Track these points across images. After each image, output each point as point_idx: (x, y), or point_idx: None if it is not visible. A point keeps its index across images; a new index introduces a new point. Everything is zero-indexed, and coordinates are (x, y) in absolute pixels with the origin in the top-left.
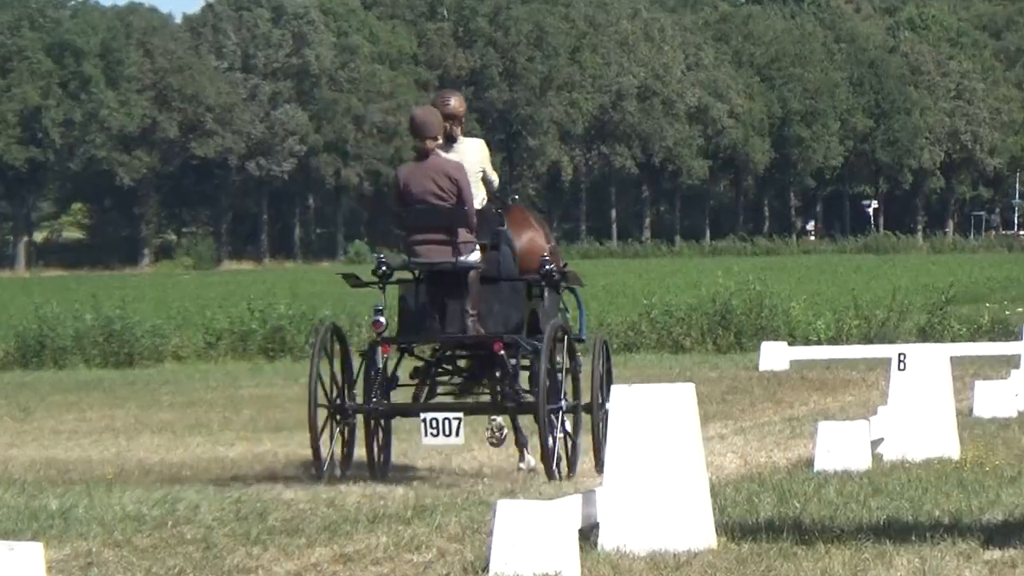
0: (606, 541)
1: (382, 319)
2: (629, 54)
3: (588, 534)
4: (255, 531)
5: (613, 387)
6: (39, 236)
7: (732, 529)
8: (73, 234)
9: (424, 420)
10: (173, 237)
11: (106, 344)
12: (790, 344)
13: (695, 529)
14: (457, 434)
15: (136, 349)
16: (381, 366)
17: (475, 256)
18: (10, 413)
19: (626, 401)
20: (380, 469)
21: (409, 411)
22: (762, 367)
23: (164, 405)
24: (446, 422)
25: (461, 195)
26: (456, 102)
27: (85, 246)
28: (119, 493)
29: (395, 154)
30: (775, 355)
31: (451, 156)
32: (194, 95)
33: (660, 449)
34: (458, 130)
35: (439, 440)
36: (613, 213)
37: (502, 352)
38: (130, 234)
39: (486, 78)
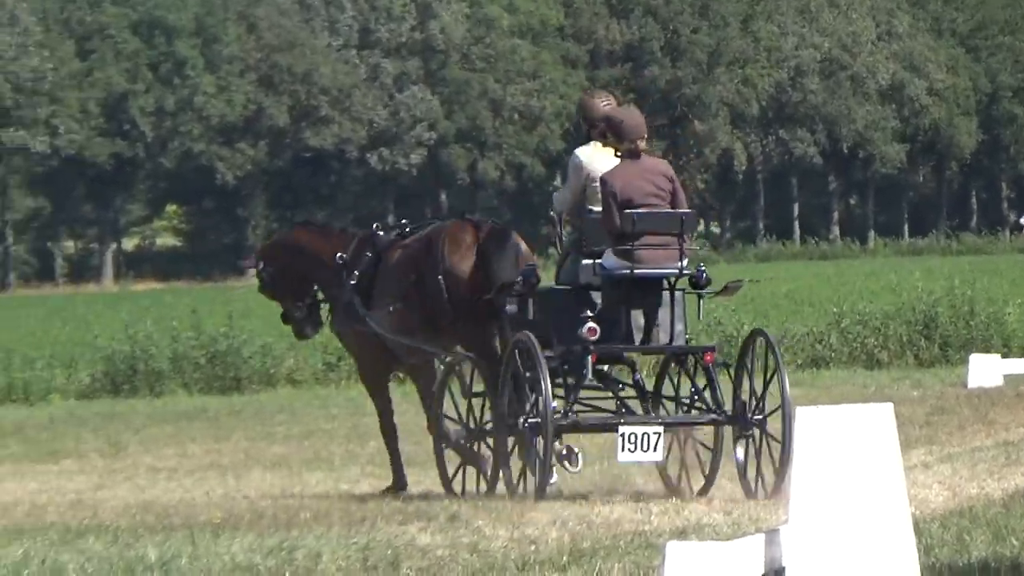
0: None
1: (595, 324)
2: (810, 23)
3: None
4: None
5: (798, 410)
6: (129, 244)
7: (940, 572)
8: (168, 241)
9: (623, 435)
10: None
11: (209, 367)
12: (1004, 356)
13: (896, 573)
14: (656, 449)
15: (244, 372)
16: (589, 376)
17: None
18: (99, 449)
19: (813, 425)
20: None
21: (607, 426)
22: (971, 384)
23: (278, 437)
24: (645, 437)
25: (676, 196)
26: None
27: (182, 254)
28: (227, 540)
29: (539, 144)
30: (987, 369)
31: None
32: (306, 77)
33: (854, 480)
34: None
35: (636, 456)
36: (795, 208)
37: (711, 362)
38: (234, 240)
39: (645, 53)
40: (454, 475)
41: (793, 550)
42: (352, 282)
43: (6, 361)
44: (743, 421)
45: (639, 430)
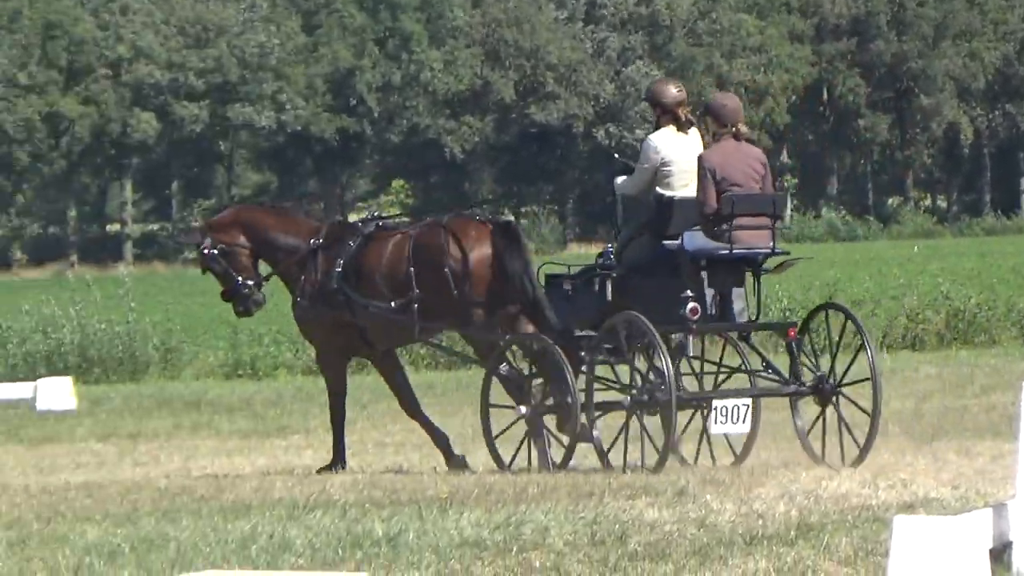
0: (1022, 564)
1: (697, 304)
2: None
3: (1000, 555)
4: (613, 557)
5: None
6: (355, 219)
7: None
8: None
9: (716, 408)
10: (511, 217)
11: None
12: None
13: None
14: (744, 421)
15: (466, 349)
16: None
17: None
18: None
19: None
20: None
21: (701, 399)
22: None
23: (506, 411)
24: (735, 409)
25: (766, 180)
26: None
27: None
28: (455, 516)
29: (765, 118)
30: None
31: (691, 139)
32: (533, 51)
33: None
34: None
35: (727, 428)
36: (1021, 182)
37: (793, 337)
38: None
39: (871, 27)
40: (515, 454)
41: (1021, 524)
42: (338, 270)
43: (234, 338)
44: (825, 391)
45: (730, 403)
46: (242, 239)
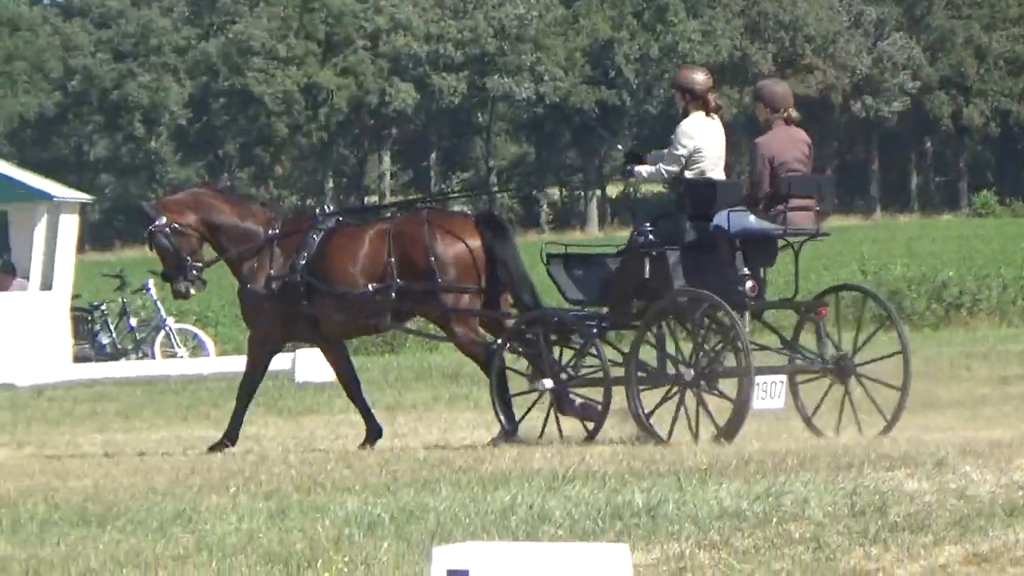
0: None
1: (755, 283)
2: None
3: None
4: (873, 528)
5: None
6: (613, 191)
7: None
8: (651, 187)
9: (758, 384)
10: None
11: None
12: None
13: None
14: (779, 396)
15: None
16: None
17: None
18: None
19: None
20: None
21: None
22: None
23: None
24: (774, 385)
25: (810, 163)
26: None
27: (665, 201)
28: (714, 486)
29: None
30: None
31: (718, 124)
32: (792, 23)
33: None
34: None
35: (766, 403)
36: None
37: (823, 316)
38: None
39: None
40: (544, 425)
41: None
42: (302, 261)
43: None
44: (846, 368)
45: (770, 379)
46: (196, 221)
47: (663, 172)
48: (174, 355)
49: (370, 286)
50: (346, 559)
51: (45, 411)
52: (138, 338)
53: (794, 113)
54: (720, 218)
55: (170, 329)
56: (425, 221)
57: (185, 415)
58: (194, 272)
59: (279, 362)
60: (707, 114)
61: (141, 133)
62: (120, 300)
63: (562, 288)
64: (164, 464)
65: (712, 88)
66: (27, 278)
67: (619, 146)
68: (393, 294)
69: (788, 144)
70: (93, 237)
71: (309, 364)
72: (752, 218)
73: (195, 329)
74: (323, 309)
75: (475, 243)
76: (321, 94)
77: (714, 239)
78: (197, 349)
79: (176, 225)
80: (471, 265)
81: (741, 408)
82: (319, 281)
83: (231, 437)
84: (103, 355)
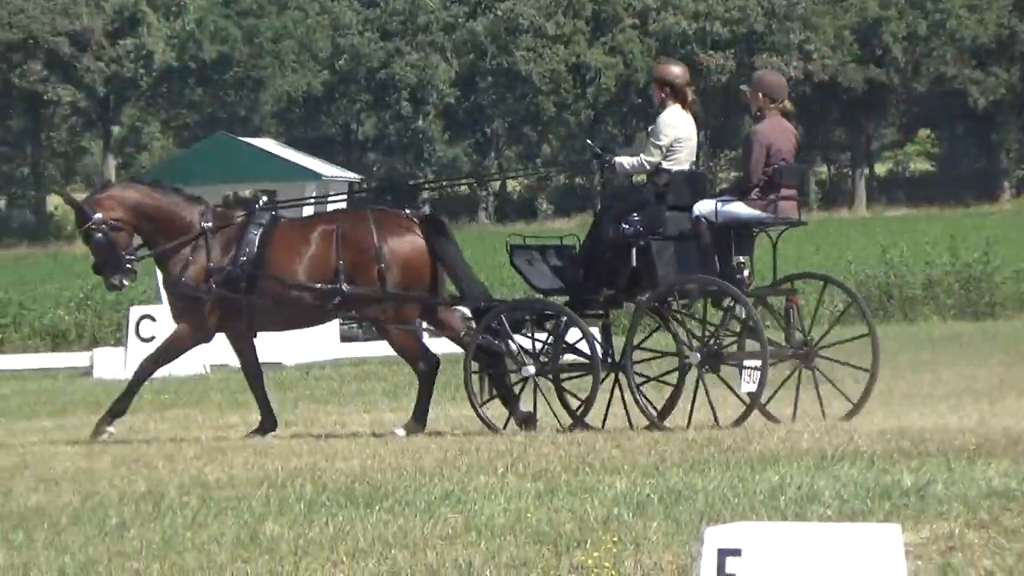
0: None
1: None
2: None
3: None
4: None
5: None
6: (881, 169)
7: None
8: (920, 165)
9: (746, 368)
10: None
11: (963, 293)
12: None
13: None
14: (755, 381)
15: (998, 298)
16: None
17: None
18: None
19: None
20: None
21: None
22: None
23: None
24: (754, 371)
25: (794, 155)
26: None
27: (933, 179)
28: (983, 466)
29: None
30: None
31: (691, 118)
32: None
33: None
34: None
35: (749, 387)
36: None
37: (796, 304)
38: (986, 165)
39: None
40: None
41: None
42: (243, 257)
43: None
44: (811, 354)
45: (752, 364)
46: (127, 216)
47: (645, 163)
48: None
49: (318, 285)
50: (615, 539)
51: (312, 390)
52: None
53: (789, 105)
54: (703, 207)
55: None
56: (371, 221)
57: (453, 395)
58: (127, 265)
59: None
60: (683, 107)
61: (408, 112)
62: None
63: (528, 278)
64: (431, 444)
65: (689, 83)
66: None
67: (588, 141)
68: (337, 299)
69: (782, 134)
70: None
71: (107, 361)
72: (743, 206)
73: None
74: (268, 301)
75: (421, 245)
76: (589, 73)
77: (695, 228)
78: None
79: (112, 221)
80: (419, 268)
81: (756, 394)
82: (269, 274)
83: (269, 422)
84: (370, 334)
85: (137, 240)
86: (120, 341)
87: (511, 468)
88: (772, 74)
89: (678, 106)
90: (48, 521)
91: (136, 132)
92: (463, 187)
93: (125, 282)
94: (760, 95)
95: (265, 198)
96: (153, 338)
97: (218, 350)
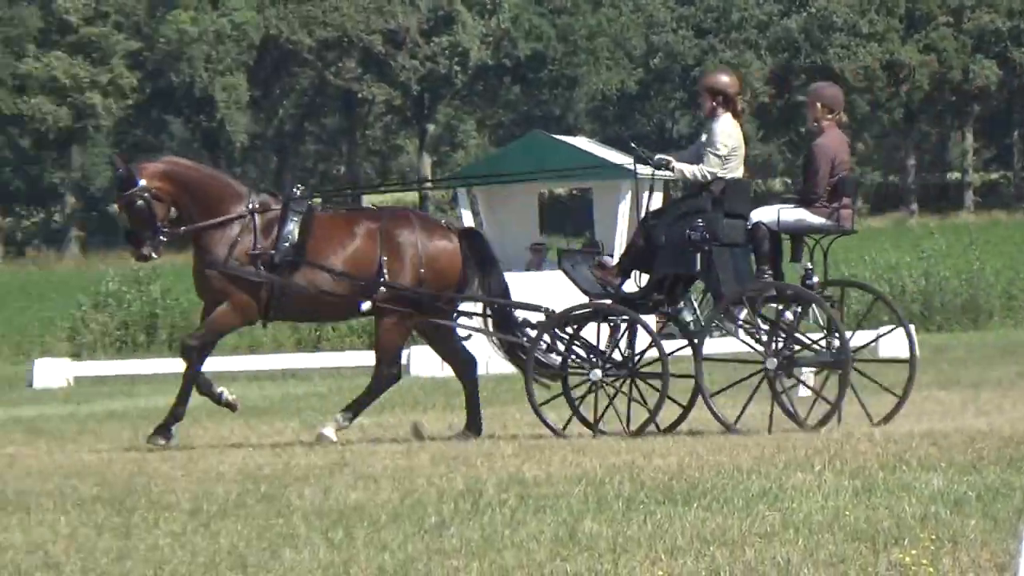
0: None
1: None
2: None
3: None
4: None
5: None
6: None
7: None
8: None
9: (804, 373)
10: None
11: None
12: None
13: None
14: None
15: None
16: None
17: None
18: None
19: None
20: None
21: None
22: None
23: None
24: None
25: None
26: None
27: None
28: None
29: None
30: None
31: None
32: None
33: None
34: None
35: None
36: None
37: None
38: None
39: None
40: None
41: None
42: (286, 243)
43: None
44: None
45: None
46: (171, 188)
47: (707, 173)
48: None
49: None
50: (932, 537)
51: None
52: None
53: (844, 117)
54: (764, 214)
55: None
56: (415, 223)
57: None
58: (160, 236)
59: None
60: (734, 116)
61: None
62: None
63: (576, 282)
64: (748, 442)
65: (739, 91)
66: (611, 255)
67: (632, 144)
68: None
69: (841, 145)
70: None
71: (423, 360)
72: (808, 214)
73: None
74: (310, 288)
75: (458, 255)
76: (903, 71)
77: (755, 234)
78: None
79: (156, 190)
80: (452, 276)
81: (840, 397)
82: (311, 262)
83: (177, 416)
84: (686, 332)
85: (173, 213)
86: None
87: (828, 465)
88: (830, 86)
89: (729, 115)
90: (368, 519)
91: (451, 130)
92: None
93: (155, 254)
94: (819, 106)
95: (301, 187)
96: (468, 336)
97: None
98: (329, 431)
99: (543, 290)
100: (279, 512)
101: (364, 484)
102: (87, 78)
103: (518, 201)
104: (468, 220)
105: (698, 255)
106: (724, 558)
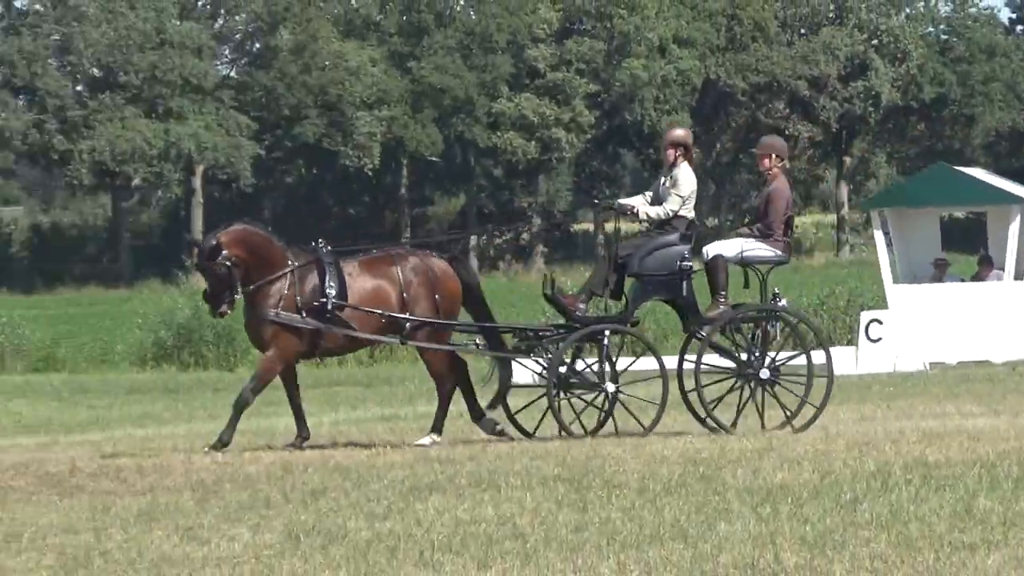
0: None
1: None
2: None
3: None
4: None
5: None
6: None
7: None
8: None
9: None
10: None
11: None
12: None
13: None
14: None
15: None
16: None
17: None
18: None
19: None
20: None
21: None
22: None
23: None
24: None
25: None
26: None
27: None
28: None
29: None
30: None
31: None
32: None
33: None
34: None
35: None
36: None
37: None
38: None
39: None
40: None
41: None
42: (331, 291)
43: None
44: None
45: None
46: (244, 255)
47: (668, 211)
48: None
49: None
50: None
51: (1018, 384)
52: None
53: (788, 164)
54: (723, 247)
55: None
56: (423, 260)
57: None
58: (235, 296)
59: None
60: (689, 164)
61: None
62: None
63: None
64: None
65: (692, 143)
66: (1003, 269)
67: (596, 200)
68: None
69: (789, 190)
70: None
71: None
72: (766, 247)
73: None
74: (342, 329)
75: (457, 280)
76: None
77: (714, 265)
78: None
79: (235, 258)
80: (458, 300)
81: (824, 399)
82: (351, 304)
83: (226, 441)
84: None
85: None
86: (851, 341)
87: None
88: (776, 138)
89: (687, 163)
90: (791, 496)
91: (865, 162)
92: None
93: (229, 311)
94: (773, 156)
95: (323, 241)
96: (880, 339)
97: (939, 349)
98: (425, 440)
99: (945, 299)
100: (715, 490)
101: (788, 466)
102: (552, 116)
103: (922, 222)
104: (879, 240)
105: (684, 283)
106: None
